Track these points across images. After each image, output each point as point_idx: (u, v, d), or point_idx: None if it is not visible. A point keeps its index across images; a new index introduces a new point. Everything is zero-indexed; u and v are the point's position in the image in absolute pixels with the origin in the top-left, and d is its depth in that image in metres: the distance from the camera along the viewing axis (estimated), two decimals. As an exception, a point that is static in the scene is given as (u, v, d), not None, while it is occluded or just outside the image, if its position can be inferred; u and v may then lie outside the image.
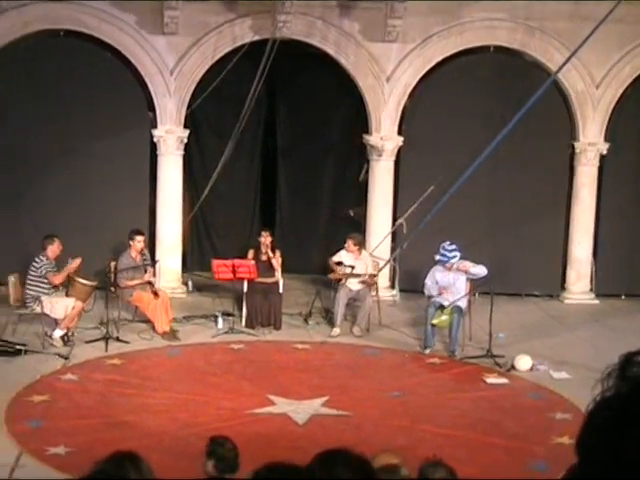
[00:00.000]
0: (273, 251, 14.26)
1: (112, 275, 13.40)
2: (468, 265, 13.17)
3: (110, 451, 4.79)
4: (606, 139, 15.99)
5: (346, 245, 14.17)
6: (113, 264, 13.68)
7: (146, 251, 13.95)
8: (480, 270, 13.11)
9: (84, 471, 3.93)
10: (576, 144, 15.97)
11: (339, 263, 14.12)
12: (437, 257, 13.22)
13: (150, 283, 13.64)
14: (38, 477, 8.44)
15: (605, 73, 15.75)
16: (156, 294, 13.49)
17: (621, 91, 15.87)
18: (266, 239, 14.28)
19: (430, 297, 13.28)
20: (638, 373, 1.43)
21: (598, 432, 1.45)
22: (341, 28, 15.28)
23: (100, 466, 4.21)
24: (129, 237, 13.71)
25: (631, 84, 15.89)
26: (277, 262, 14.22)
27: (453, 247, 13.19)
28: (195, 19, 15.04)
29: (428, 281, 13.27)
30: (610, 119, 15.98)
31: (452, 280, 13.09)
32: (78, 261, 12.95)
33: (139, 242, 13.68)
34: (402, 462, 6.01)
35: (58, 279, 12.96)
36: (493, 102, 15.51)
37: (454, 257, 13.14)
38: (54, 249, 13.04)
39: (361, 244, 14.45)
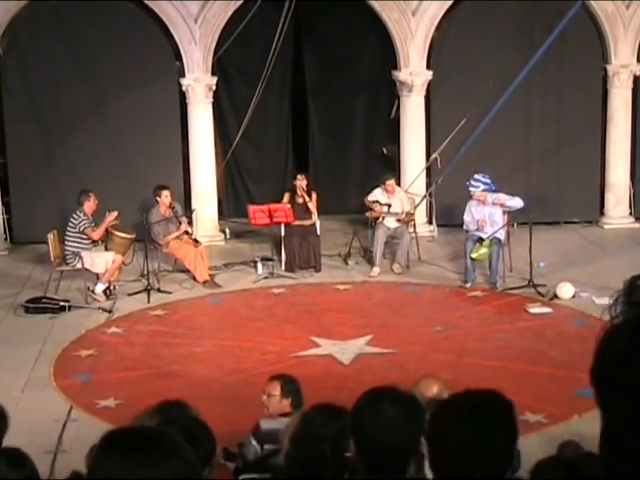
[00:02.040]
0: (309, 194, 14.22)
1: (149, 227, 13.37)
2: (503, 198, 13.04)
3: (158, 401, 4.84)
4: (639, 60, 15.73)
5: (385, 186, 14.08)
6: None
7: (175, 203, 13.76)
8: (516, 202, 12.99)
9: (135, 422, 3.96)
10: (608, 67, 15.72)
11: (375, 202, 14.07)
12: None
13: (187, 233, 13.66)
14: (90, 430, 8.53)
15: (635, -8, 15.47)
16: (196, 241, 13.52)
17: (652, 10, 15.59)
18: (301, 182, 14.24)
19: (468, 231, 13.22)
20: None
21: (610, 359, 1.43)
22: (364, -36, 15.09)
23: (148, 415, 4.25)
24: (155, 194, 13.58)
25: (662, 2, 15.60)
26: (314, 206, 14.19)
27: (480, 178, 13.06)
28: (216, -36, 14.90)
29: (466, 217, 13.19)
30: (642, 39, 15.72)
31: (488, 213, 13.00)
32: (114, 214, 12.98)
33: (166, 197, 13.53)
34: (443, 387, 5.99)
35: (97, 234, 13.00)
36: (522, 30, 15.27)
37: (476, 187, 13.02)
38: (90, 205, 13.06)
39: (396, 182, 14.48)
